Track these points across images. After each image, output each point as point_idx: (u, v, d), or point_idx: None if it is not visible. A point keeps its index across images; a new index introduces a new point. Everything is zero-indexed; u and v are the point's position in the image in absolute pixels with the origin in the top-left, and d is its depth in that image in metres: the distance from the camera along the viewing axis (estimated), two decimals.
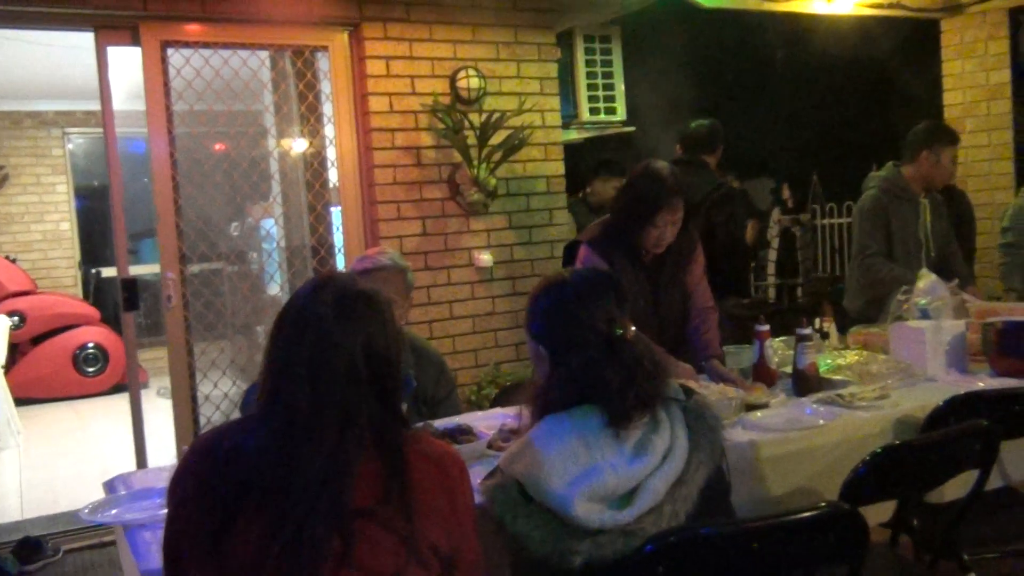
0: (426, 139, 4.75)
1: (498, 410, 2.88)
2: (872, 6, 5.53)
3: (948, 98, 6.08)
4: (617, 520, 1.59)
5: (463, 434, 2.39)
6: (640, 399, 1.68)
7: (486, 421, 2.62)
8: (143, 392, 4.60)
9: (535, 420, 1.75)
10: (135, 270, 4.49)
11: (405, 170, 4.72)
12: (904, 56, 6.95)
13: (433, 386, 3.02)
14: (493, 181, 4.84)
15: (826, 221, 8.78)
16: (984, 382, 2.80)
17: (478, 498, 1.89)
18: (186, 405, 4.40)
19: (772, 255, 8.38)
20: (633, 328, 1.76)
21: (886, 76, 7.78)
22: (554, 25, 5.20)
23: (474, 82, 4.82)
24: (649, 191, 2.96)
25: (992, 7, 5.82)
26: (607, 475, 1.61)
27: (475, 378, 4.81)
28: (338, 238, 4.83)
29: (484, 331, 4.95)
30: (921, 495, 2.32)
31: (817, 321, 6.01)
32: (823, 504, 1.70)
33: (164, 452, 4.51)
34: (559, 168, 5.20)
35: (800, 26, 6.12)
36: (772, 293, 7.99)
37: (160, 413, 5.11)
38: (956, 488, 2.39)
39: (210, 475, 1.44)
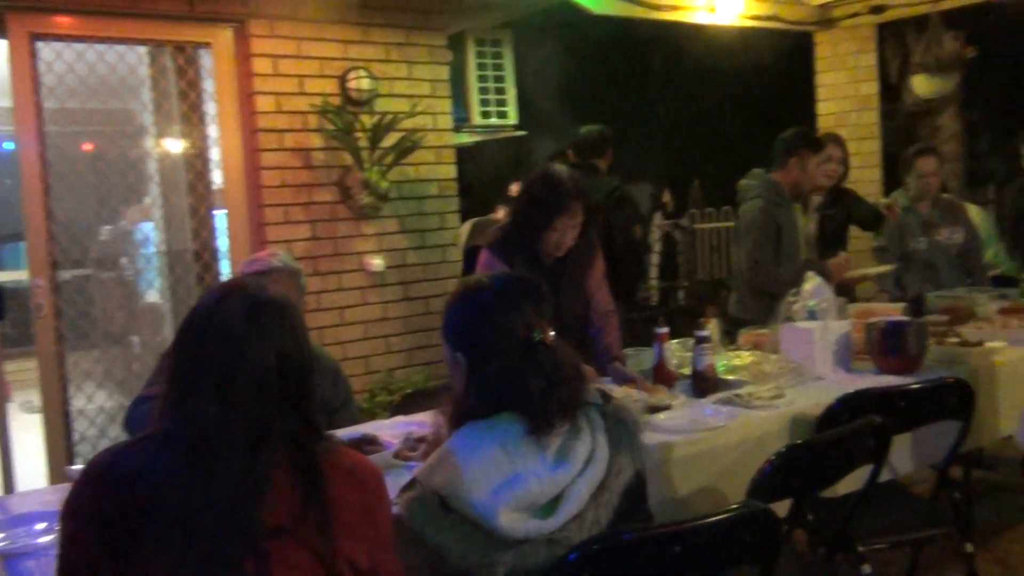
0: (316, 141, 4.63)
1: (400, 418, 2.82)
2: (752, 18, 5.74)
3: (821, 108, 6.36)
4: (542, 529, 1.57)
5: (368, 444, 2.32)
6: (562, 405, 1.66)
7: (391, 430, 2.56)
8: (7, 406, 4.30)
9: (452, 429, 1.71)
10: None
11: (294, 172, 4.59)
12: (782, 67, 7.24)
13: (329, 393, 2.94)
14: (385, 184, 4.76)
15: (705, 225, 9.06)
16: (869, 380, 2.91)
17: (395, 511, 1.84)
18: (58, 420, 4.14)
19: (654, 259, 8.58)
20: (553, 333, 1.74)
21: (765, 86, 8.10)
22: (445, 27, 5.17)
23: (365, 83, 4.73)
24: (548, 195, 2.96)
25: (861, 22, 6.13)
26: (531, 483, 1.58)
27: (367, 385, 4.71)
28: (223, 242, 4.65)
29: (375, 337, 4.86)
30: (821, 490, 2.40)
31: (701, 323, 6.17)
32: (739, 504, 1.73)
33: (34, 472, 4.22)
34: (451, 171, 5.17)
35: (686, 35, 6.29)
36: (655, 296, 8.17)
37: (27, 430, 4.79)
38: (848, 483, 2.48)
39: (108, 502, 1.33)
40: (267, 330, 1.43)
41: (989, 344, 3.20)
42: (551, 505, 1.61)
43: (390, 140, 4.74)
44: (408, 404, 3.03)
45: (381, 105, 4.78)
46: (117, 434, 4.14)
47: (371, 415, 4.04)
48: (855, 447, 2.25)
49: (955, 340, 3.28)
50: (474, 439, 1.65)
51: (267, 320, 1.44)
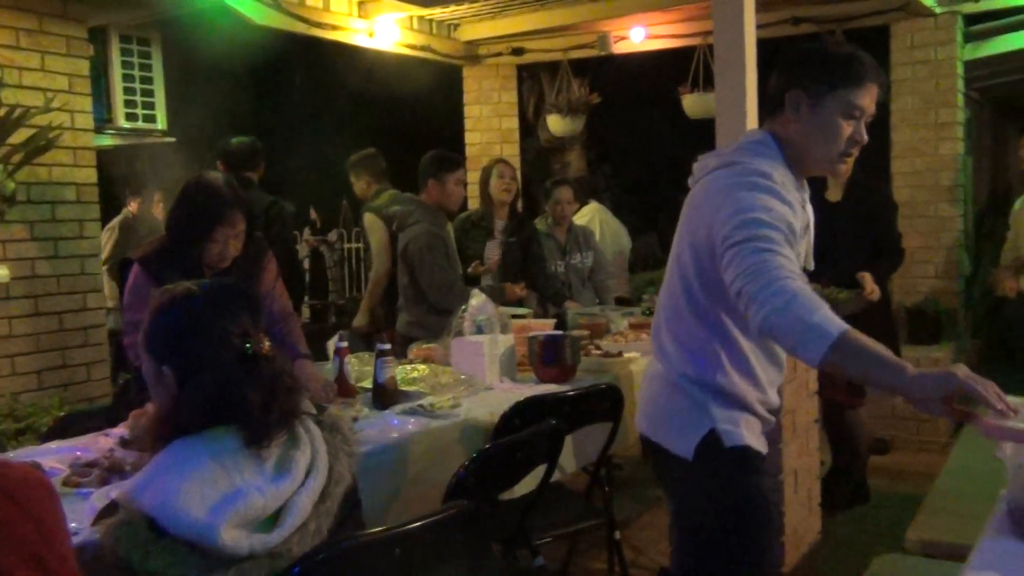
0: None
1: (55, 444, 2.53)
2: (408, 47, 5.95)
3: (469, 138, 6.76)
4: (266, 543, 1.52)
5: None
6: (281, 416, 1.62)
7: (54, 455, 2.30)
8: None
9: (159, 447, 1.59)
10: None
11: None
12: (437, 96, 7.58)
13: None
14: (12, 185, 4.22)
15: (353, 245, 9.17)
16: (533, 388, 3.16)
17: (83, 538, 1.67)
18: None
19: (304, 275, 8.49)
20: (269, 342, 1.69)
21: (420, 113, 8.41)
22: (85, 19, 4.72)
23: None
24: (206, 205, 2.83)
25: (503, 62, 6.64)
26: (252, 497, 1.52)
27: None
28: None
29: None
30: (504, 491, 2.56)
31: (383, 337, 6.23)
32: (451, 504, 1.81)
33: None
34: (91, 175, 4.72)
35: (347, 56, 6.35)
36: (307, 312, 8.09)
37: None
38: (522, 485, 2.68)
39: None
40: None
41: (627, 355, 3.63)
42: (273, 518, 1.56)
43: (19, 137, 4.22)
44: (63, 428, 2.72)
45: (8, 96, 4.25)
46: None
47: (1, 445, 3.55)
48: (535, 449, 2.45)
49: (598, 352, 3.68)
50: (187, 455, 1.55)
51: None
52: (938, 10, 5.35)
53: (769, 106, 2.04)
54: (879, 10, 5.54)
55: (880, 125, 4.62)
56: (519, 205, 4.97)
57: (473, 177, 6.03)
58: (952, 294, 5.49)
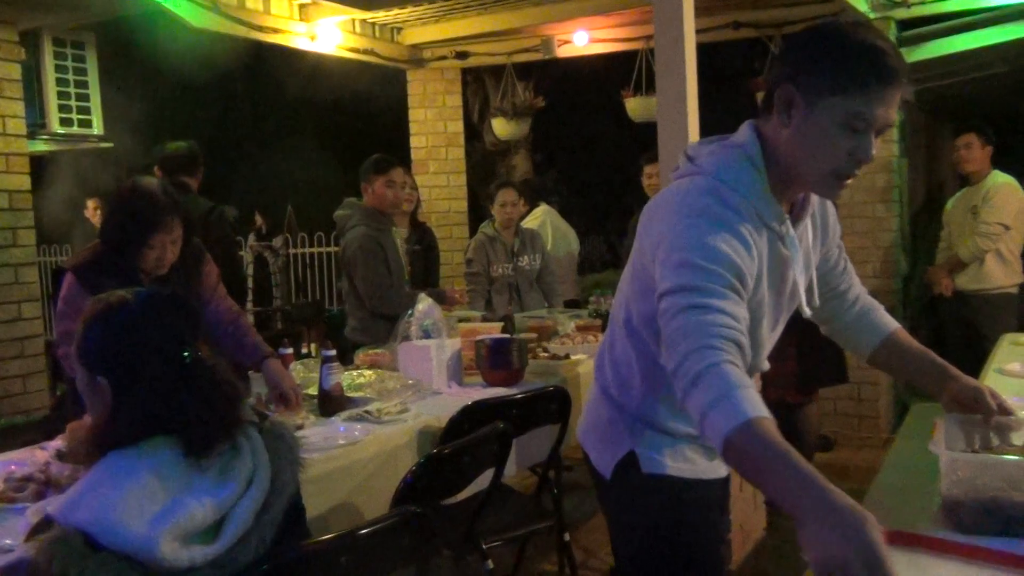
0: None
1: None
2: (351, 50, 5.90)
3: (414, 141, 6.73)
4: (206, 555, 1.49)
5: None
6: (222, 425, 1.59)
7: None
8: None
9: (93, 460, 1.55)
10: None
11: None
12: (381, 101, 7.52)
13: None
14: None
15: (298, 250, 9.06)
16: (480, 392, 3.16)
17: (18, 555, 1.63)
18: None
19: (248, 281, 8.37)
20: (208, 350, 1.66)
21: (364, 117, 8.34)
22: (16, 21, 4.61)
23: None
24: (142, 211, 2.77)
25: (448, 65, 6.62)
26: (192, 509, 1.49)
27: None
28: None
29: None
30: (451, 495, 2.55)
31: (305, 346, 6.17)
32: (396, 510, 1.79)
33: None
34: (24, 182, 4.60)
35: (287, 60, 6.27)
36: (251, 319, 7.96)
37: None
38: (466, 489, 2.67)
39: None
40: None
41: (574, 357, 3.64)
42: (214, 529, 1.53)
43: None
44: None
45: None
46: None
47: None
48: (483, 452, 2.44)
49: (546, 355, 3.69)
50: (123, 468, 1.51)
51: None
52: (872, 15, 5.48)
53: (764, 101, 1.59)
54: (815, 16, 5.65)
55: None
56: (419, 214, 5.08)
57: (421, 181, 6.02)
58: (890, 292, 5.61)
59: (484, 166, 7.59)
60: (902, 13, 5.51)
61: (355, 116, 8.98)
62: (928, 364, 1.83)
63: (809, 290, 1.74)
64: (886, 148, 5.62)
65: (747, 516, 3.60)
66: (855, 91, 1.46)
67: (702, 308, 1.41)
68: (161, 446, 1.55)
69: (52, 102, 5.01)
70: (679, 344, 1.40)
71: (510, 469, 3.05)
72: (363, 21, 5.91)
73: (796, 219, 1.67)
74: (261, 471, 1.63)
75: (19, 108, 4.59)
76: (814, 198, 1.73)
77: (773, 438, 1.25)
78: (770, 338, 1.75)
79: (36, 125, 4.92)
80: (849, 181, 1.54)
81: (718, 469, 1.81)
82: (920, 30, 5.70)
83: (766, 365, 1.79)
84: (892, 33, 5.63)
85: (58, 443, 2.36)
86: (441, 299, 3.74)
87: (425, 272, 4.88)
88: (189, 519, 1.49)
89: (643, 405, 1.74)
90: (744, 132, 1.63)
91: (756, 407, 1.29)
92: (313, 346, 5.29)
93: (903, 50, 5.78)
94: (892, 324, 1.92)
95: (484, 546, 2.60)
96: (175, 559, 1.45)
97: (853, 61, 1.46)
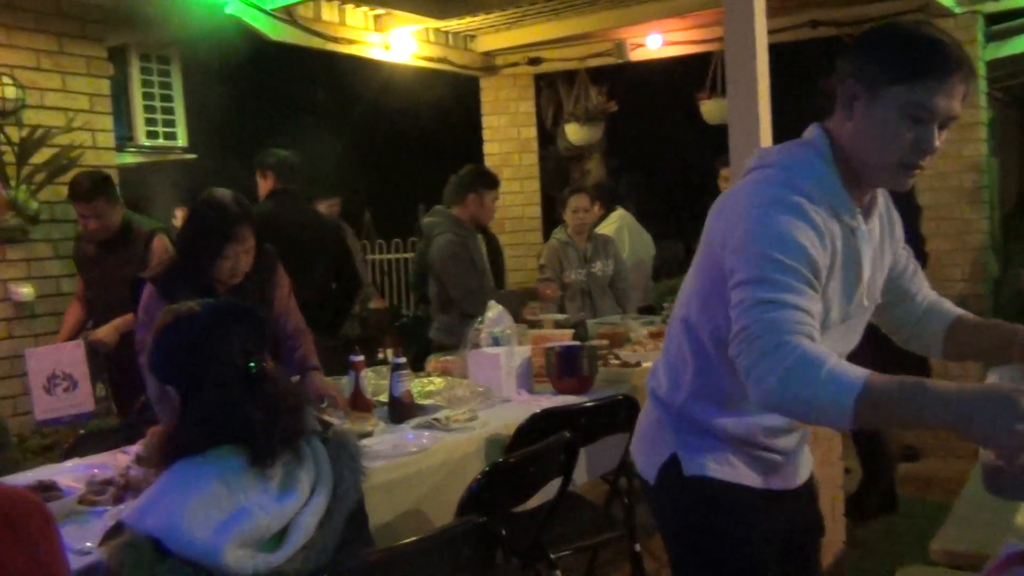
0: None
1: (75, 461, 2.55)
2: (424, 59, 5.97)
3: (487, 148, 6.77)
4: (270, 563, 1.52)
5: (45, 491, 2.08)
6: (285, 435, 1.62)
7: (69, 474, 2.32)
8: None
9: (164, 467, 1.60)
10: None
11: None
12: (454, 107, 7.59)
13: None
14: (35, 205, 4.29)
15: (376, 256, 9.20)
16: (549, 400, 3.15)
17: (96, 558, 1.68)
18: None
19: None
20: (272, 361, 1.69)
21: (439, 124, 8.43)
22: (105, 38, 4.79)
23: (10, 91, 4.23)
24: (215, 222, 2.85)
25: (520, 72, 6.64)
26: (257, 517, 1.52)
27: (16, 429, 4.17)
28: None
29: (25, 375, 4.32)
30: (518, 505, 2.54)
31: (381, 351, 6.25)
32: (458, 520, 1.80)
33: None
34: None
35: (363, 70, 6.38)
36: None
37: None
38: (536, 497, 2.66)
39: None
40: None
41: (645, 364, 3.60)
42: (278, 537, 1.56)
43: (42, 156, 4.29)
44: (83, 446, 2.74)
45: (31, 117, 4.31)
46: None
47: (17, 463, 3.59)
48: (550, 461, 2.43)
49: (617, 362, 3.65)
50: (191, 475, 1.55)
51: None
52: (958, 10, 5.28)
53: (830, 101, 1.64)
54: (899, 12, 5.47)
55: None
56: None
57: None
58: (980, 297, 5.39)
59: (558, 171, 7.58)
60: (990, 7, 5.30)
61: (429, 125, 9.08)
62: (999, 329, 1.82)
63: (872, 282, 1.74)
64: (974, 147, 5.41)
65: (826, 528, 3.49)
66: (915, 80, 1.50)
67: (777, 304, 1.43)
68: (227, 455, 1.58)
69: (139, 116, 5.20)
70: (754, 342, 1.42)
71: (580, 477, 3.04)
72: (436, 30, 5.97)
73: (866, 215, 1.68)
74: (323, 480, 1.65)
75: (108, 122, 4.76)
76: (881, 199, 1.74)
77: (896, 379, 1.32)
78: (839, 331, 1.71)
79: (124, 138, 5.11)
80: (916, 172, 1.58)
81: (768, 481, 1.80)
82: (1009, 24, 5.47)
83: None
84: (980, 28, 5.42)
85: (139, 447, 2.43)
86: (534, 297, 3.78)
87: (495, 277, 4.89)
88: (253, 527, 1.52)
89: (688, 401, 1.75)
90: (812, 131, 1.67)
91: (857, 368, 1.35)
92: (389, 352, 5.38)
93: (991, 45, 5.57)
94: (956, 310, 1.91)
95: (552, 556, 2.58)
96: (239, 566, 1.48)
97: (913, 50, 1.52)
